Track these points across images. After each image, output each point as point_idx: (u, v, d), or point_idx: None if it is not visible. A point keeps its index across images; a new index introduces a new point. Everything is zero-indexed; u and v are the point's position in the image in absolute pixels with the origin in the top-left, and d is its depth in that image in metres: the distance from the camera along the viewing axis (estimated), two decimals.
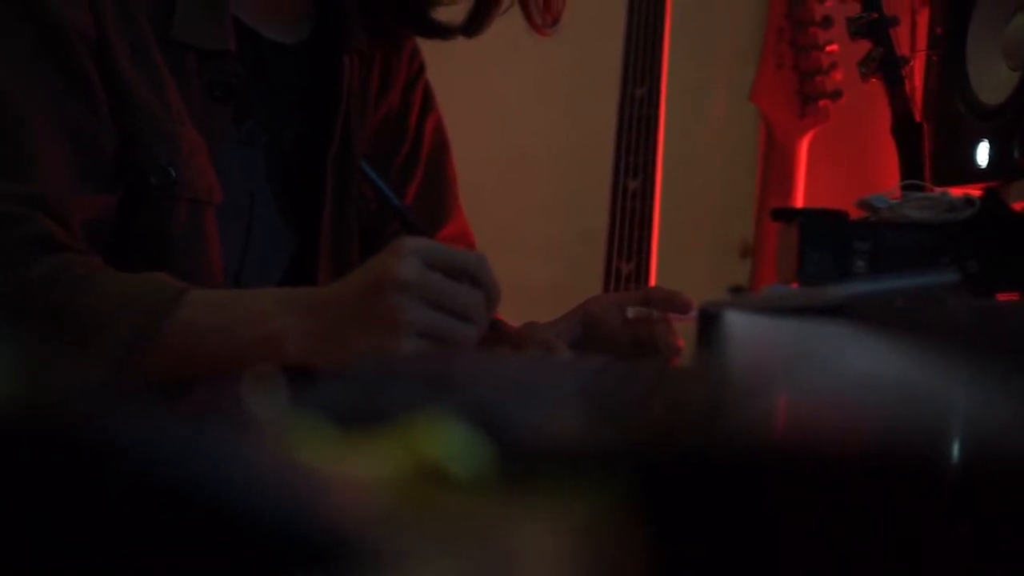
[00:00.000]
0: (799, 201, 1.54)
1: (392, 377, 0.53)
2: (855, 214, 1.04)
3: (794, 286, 1.02)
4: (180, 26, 1.08)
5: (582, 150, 1.93)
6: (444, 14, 1.25)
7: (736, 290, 1.74)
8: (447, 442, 0.37)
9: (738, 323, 0.70)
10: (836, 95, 1.52)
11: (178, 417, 0.31)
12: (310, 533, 0.28)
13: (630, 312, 1.08)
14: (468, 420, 0.40)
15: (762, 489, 0.32)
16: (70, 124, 1.02)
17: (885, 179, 1.39)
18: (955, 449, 0.33)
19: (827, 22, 1.51)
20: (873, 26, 1.27)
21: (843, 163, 1.65)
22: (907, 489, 0.31)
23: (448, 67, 1.35)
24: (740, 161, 1.85)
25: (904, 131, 1.27)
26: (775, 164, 1.56)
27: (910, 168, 1.25)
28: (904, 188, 1.04)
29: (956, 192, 1.02)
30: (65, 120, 1.02)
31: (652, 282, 1.44)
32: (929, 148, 1.22)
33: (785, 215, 1.06)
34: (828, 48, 1.52)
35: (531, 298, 1.29)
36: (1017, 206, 1.03)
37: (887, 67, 1.27)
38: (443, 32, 1.24)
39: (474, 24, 1.21)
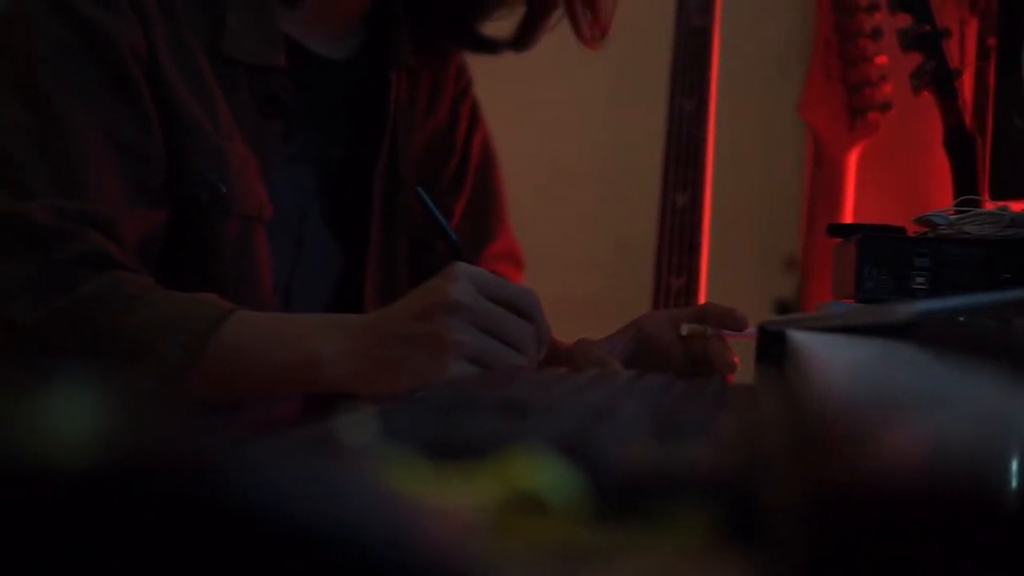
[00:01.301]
0: (848, 215, 1.53)
1: (468, 406, 0.53)
2: (911, 229, 1.03)
3: (849, 302, 1.01)
4: (230, 42, 1.08)
5: (624, 161, 1.92)
6: (491, 28, 1.24)
7: (782, 304, 1.73)
8: (541, 472, 0.36)
9: (804, 343, 0.69)
10: (885, 107, 1.51)
11: (276, 447, 0.30)
12: (413, 564, 0.27)
13: (684, 329, 1.06)
14: (558, 450, 0.39)
15: (850, 524, 0.31)
16: (121, 140, 1.02)
17: (935, 192, 1.38)
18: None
19: (876, 34, 1.50)
20: (925, 38, 1.26)
21: (893, 176, 1.64)
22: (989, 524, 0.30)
23: (489, 77, 1.34)
24: (788, 174, 1.84)
25: (957, 144, 1.25)
26: (824, 177, 1.55)
27: (963, 182, 1.24)
28: (961, 203, 1.02)
29: (1015, 207, 1.01)
30: (116, 136, 1.01)
31: (702, 296, 1.43)
32: (985, 162, 1.21)
33: (842, 231, 1.04)
34: (877, 60, 1.51)
35: (572, 310, 1.28)
36: None
37: (939, 79, 1.25)
38: (492, 47, 1.23)
39: (523, 39, 1.20)
